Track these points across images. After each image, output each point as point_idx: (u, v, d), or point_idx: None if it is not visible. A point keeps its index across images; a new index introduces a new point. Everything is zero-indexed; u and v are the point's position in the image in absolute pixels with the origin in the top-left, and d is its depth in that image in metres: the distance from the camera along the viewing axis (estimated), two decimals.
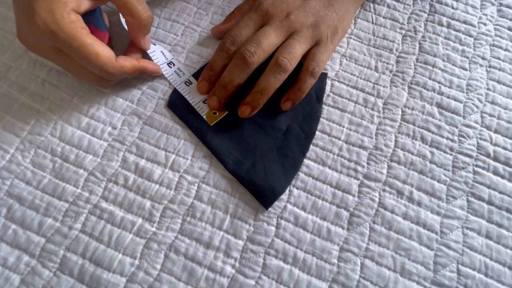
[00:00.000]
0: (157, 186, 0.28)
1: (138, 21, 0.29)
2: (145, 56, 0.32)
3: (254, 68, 0.29)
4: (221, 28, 0.34)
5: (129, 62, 0.29)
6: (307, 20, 0.30)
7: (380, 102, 0.32)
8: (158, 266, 0.25)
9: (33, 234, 0.26)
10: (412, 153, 0.30)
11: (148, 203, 0.27)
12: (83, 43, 0.25)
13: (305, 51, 0.30)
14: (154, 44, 0.33)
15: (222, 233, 0.27)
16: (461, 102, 0.32)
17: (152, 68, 0.31)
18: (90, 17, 0.29)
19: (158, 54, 0.32)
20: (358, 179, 0.29)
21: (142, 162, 0.29)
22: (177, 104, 0.31)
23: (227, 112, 0.30)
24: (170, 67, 0.32)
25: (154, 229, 0.27)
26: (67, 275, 0.25)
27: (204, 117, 0.30)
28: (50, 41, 0.26)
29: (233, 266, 0.26)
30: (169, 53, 0.33)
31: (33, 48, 0.27)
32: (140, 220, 0.27)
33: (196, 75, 0.32)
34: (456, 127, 0.31)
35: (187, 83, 0.31)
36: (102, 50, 0.26)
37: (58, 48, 0.26)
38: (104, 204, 0.27)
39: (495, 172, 0.29)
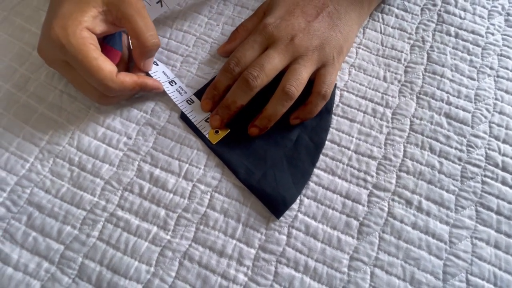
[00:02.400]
0: (171, 195, 0.29)
1: (142, 47, 0.29)
2: (147, 76, 0.33)
3: (256, 91, 0.29)
4: (226, 48, 0.34)
5: (129, 78, 0.29)
6: (312, 43, 0.30)
7: (388, 112, 0.33)
8: (173, 274, 0.26)
9: (53, 242, 0.27)
10: (421, 163, 0.30)
11: (162, 212, 0.28)
12: (87, 56, 0.26)
13: (311, 74, 0.31)
14: (157, 64, 0.33)
15: (234, 241, 0.27)
16: (469, 112, 0.33)
17: (153, 84, 0.31)
18: (108, 36, 0.30)
19: (160, 74, 0.33)
20: (367, 189, 0.29)
21: (157, 172, 0.30)
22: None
23: (229, 130, 0.31)
24: (172, 85, 0.33)
25: (168, 237, 0.27)
26: (85, 281, 0.26)
27: (207, 135, 0.31)
28: (60, 54, 0.27)
29: (245, 274, 0.26)
30: (171, 72, 0.34)
31: (47, 60, 0.29)
32: (155, 228, 0.28)
33: (197, 94, 0.33)
34: (465, 137, 0.32)
35: (189, 101, 0.32)
36: (104, 65, 0.27)
37: (67, 62, 0.28)
38: (120, 213, 0.28)
39: (504, 182, 0.30)
